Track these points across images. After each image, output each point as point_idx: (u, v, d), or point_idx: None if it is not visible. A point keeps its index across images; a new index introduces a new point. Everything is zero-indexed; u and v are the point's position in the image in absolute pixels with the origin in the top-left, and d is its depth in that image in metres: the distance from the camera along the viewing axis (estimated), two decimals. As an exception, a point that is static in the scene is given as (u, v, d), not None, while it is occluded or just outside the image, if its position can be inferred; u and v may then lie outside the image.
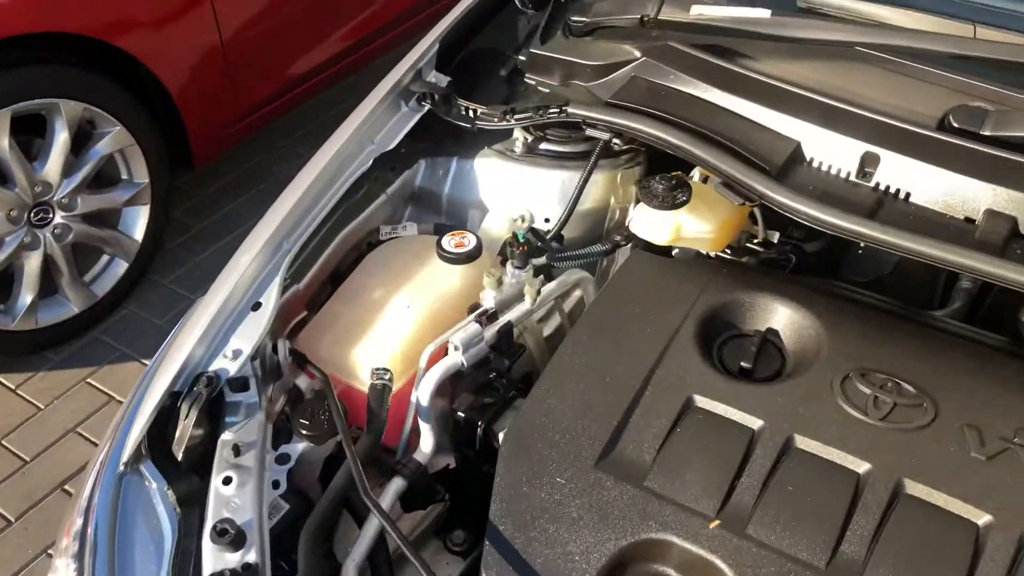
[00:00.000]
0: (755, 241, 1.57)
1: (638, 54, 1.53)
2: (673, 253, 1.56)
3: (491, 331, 1.34)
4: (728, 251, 1.57)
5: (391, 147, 1.51)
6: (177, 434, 1.19)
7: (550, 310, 1.54)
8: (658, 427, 1.17)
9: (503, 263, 1.45)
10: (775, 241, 1.55)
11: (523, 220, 1.54)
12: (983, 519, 1.05)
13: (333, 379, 1.33)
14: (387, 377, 1.29)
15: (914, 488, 1.08)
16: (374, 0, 3.26)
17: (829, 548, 1.04)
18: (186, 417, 1.19)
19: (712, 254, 1.55)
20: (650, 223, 1.46)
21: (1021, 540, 1.03)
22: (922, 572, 1.02)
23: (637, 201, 1.49)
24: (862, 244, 1.28)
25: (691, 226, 1.45)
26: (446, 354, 1.31)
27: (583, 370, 1.25)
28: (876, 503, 1.07)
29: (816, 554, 1.04)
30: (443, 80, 1.59)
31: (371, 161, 1.48)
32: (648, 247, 1.50)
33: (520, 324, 1.48)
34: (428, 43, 1.60)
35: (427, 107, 1.57)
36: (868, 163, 1.34)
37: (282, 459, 1.23)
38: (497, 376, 1.35)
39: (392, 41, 3.37)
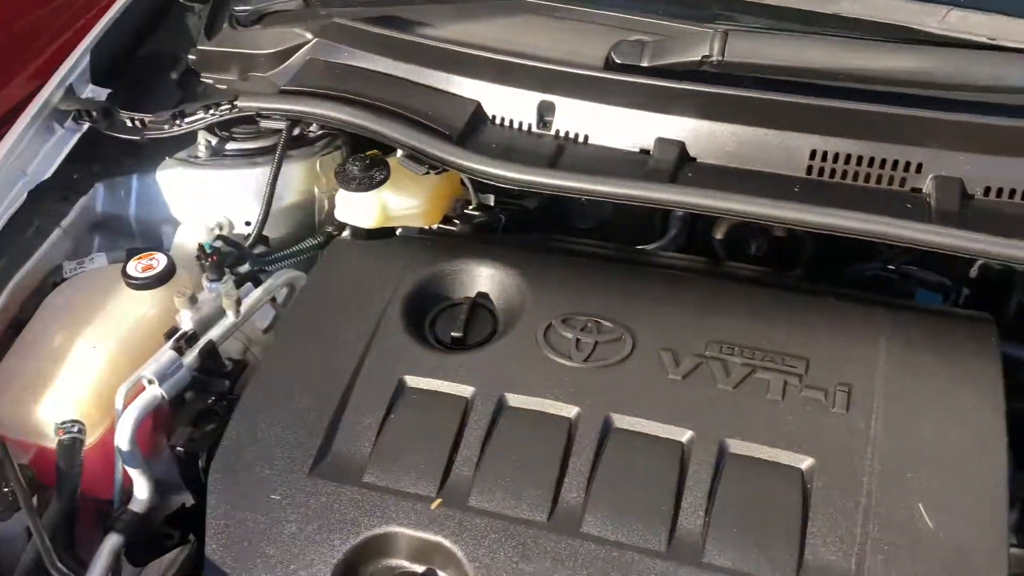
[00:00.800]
0: (471, 207, 1.55)
1: (309, 36, 1.46)
2: (397, 233, 1.52)
3: (192, 355, 1.23)
4: (458, 223, 1.55)
5: (48, 175, 1.36)
6: None
7: (276, 317, 1.45)
8: (372, 418, 1.12)
9: (209, 277, 1.35)
10: (491, 204, 1.54)
11: (220, 228, 1.44)
12: (685, 436, 1.08)
13: (20, 443, 1.19)
14: (76, 429, 1.15)
15: (621, 421, 1.10)
16: (60, 34, 2.99)
17: (549, 500, 1.04)
18: None
19: (435, 227, 1.52)
20: (353, 207, 1.40)
21: (720, 447, 1.07)
22: (637, 498, 1.04)
23: None
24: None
25: (397, 203, 1.41)
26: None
27: (289, 377, 1.18)
28: (589, 444, 1.08)
29: (537, 509, 1.04)
30: (102, 93, 1.45)
31: (25, 195, 1.33)
32: (368, 233, 1.44)
33: (245, 338, 1.39)
34: (76, 56, 1.44)
35: (87, 125, 1.43)
36: (545, 112, 1.34)
37: (-42, 549, 1.08)
38: (218, 399, 1.26)
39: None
